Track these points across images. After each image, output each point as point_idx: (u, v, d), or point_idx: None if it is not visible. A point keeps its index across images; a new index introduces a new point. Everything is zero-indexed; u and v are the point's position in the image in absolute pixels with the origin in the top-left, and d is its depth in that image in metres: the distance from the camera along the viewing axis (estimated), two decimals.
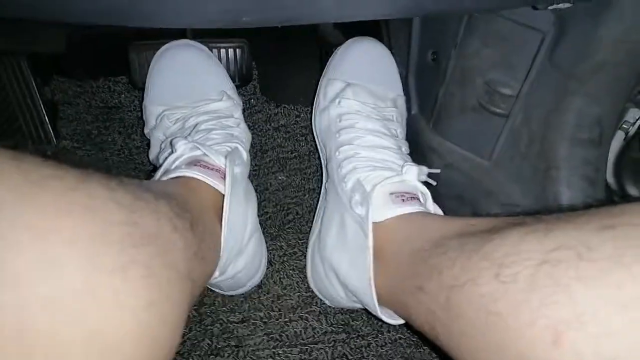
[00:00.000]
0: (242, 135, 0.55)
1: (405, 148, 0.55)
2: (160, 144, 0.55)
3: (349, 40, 0.60)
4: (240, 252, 0.48)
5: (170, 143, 0.48)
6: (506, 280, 0.26)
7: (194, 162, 0.45)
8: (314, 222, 0.60)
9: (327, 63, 0.61)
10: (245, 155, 0.53)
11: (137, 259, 0.25)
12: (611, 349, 0.21)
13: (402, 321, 0.42)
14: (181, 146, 0.46)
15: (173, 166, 0.46)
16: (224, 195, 0.43)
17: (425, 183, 0.49)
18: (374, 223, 0.42)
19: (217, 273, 0.43)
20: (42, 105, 0.67)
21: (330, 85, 0.58)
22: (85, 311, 0.23)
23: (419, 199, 0.45)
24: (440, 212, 0.46)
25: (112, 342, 0.24)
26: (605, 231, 0.24)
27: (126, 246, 0.25)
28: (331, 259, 0.50)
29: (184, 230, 0.32)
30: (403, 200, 0.44)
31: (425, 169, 0.49)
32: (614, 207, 0.25)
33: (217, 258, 0.42)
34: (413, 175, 0.46)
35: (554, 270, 0.24)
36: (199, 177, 0.43)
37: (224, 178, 0.45)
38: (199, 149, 0.46)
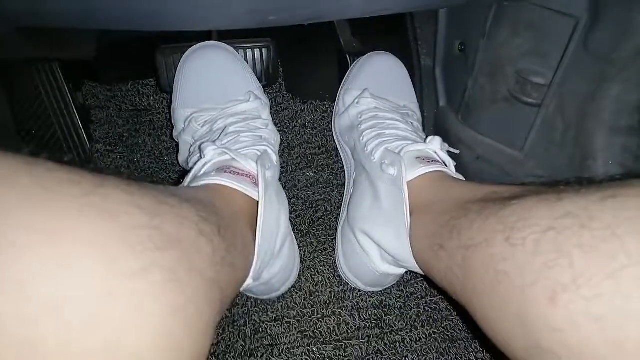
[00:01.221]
0: (270, 136, 0.55)
1: (423, 136, 0.57)
2: (189, 148, 0.55)
3: (366, 55, 0.64)
4: (275, 257, 0.47)
5: (199, 148, 0.48)
6: (515, 243, 0.28)
7: (223, 168, 0.45)
8: (341, 211, 0.61)
9: (345, 76, 0.65)
10: (274, 157, 0.52)
11: (159, 262, 0.24)
12: (599, 310, 0.23)
13: None
14: (210, 151, 0.46)
15: (202, 172, 0.45)
16: (255, 201, 0.43)
17: None
18: None
19: (250, 280, 0.42)
20: (75, 110, 0.68)
21: (348, 94, 0.62)
22: (101, 317, 0.21)
23: (444, 166, 0.48)
24: (463, 179, 0.47)
25: (132, 351, 0.22)
26: (607, 201, 0.25)
27: (147, 249, 0.24)
28: (364, 226, 0.50)
29: (212, 235, 0.31)
30: (429, 162, 0.47)
31: (447, 145, 0.51)
32: (622, 180, 0.27)
33: (248, 265, 0.41)
34: (437, 144, 0.49)
35: (558, 237, 0.26)
36: (228, 184, 0.43)
37: (255, 183, 0.44)
38: (228, 153, 0.46)
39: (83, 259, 0.21)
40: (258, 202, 0.42)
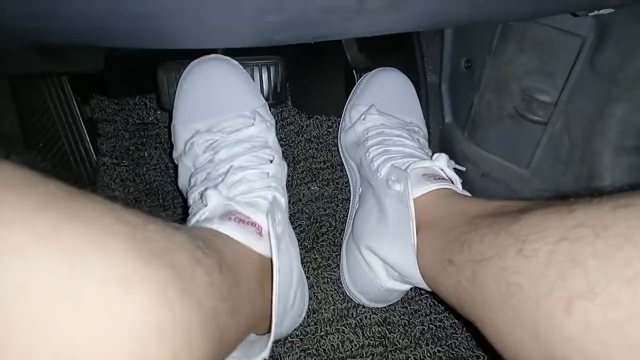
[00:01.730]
0: (277, 172, 0.50)
1: (429, 153, 0.57)
2: (189, 176, 0.52)
3: (372, 71, 0.63)
4: (287, 312, 0.44)
5: (202, 194, 0.44)
6: (528, 254, 0.28)
7: (227, 214, 0.41)
8: (346, 227, 0.61)
9: (352, 91, 0.65)
10: (283, 201, 0.48)
11: (144, 274, 0.21)
12: (616, 317, 0.23)
13: None
14: (213, 200, 0.42)
15: (203, 217, 0.42)
16: (261, 255, 0.40)
17: None
18: None
19: (267, 353, 0.37)
20: (82, 123, 0.69)
21: (355, 110, 0.62)
22: (66, 326, 0.19)
23: (450, 182, 0.48)
24: (469, 195, 0.47)
25: None
26: (620, 210, 0.25)
27: (130, 259, 0.21)
28: (369, 242, 0.50)
29: (209, 268, 0.28)
30: (436, 179, 0.47)
31: (453, 162, 0.50)
32: (632, 190, 0.27)
33: (254, 317, 0.38)
34: (443, 162, 0.49)
35: (572, 247, 0.26)
36: (233, 237, 0.39)
37: (260, 234, 0.41)
38: (233, 205, 0.42)
39: (46, 257, 0.19)
40: (264, 254, 0.40)
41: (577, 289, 0.24)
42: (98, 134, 0.70)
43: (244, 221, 0.41)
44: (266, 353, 0.37)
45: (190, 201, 0.48)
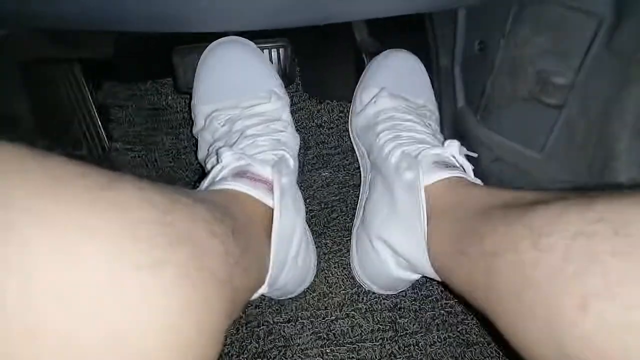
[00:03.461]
0: (289, 140, 0.54)
1: (441, 138, 0.56)
2: (208, 147, 0.55)
3: (383, 52, 0.63)
4: (290, 264, 0.46)
5: (216, 152, 0.48)
6: (543, 248, 0.27)
7: (240, 174, 0.44)
8: (356, 213, 0.60)
9: (363, 73, 0.64)
10: (292, 162, 0.51)
11: (170, 258, 0.23)
12: (635, 320, 0.22)
13: None
14: (227, 157, 0.46)
15: (219, 177, 0.45)
16: (271, 208, 0.42)
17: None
18: None
19: (265, 288, 0.41)
20: (94, 109, 0.70)
21: (365, 92, 0.61)
22: (106, 309, 0.20)
23: (461, 171, 0.47)
24: (481, 184, 0.46)
25: (138, 346, 0.21)
26: None
27: (158, 244, 0.23)
28: (380, 232, 0.50)
29: (224, 237, 0.30)
30: (447, 167, 0.46)
31: (465, 148, 0.50)
32: None
33: (263, 270, 0.40)
34: (455, 148, 0.48)
35: (590, 243, 0.25)
36: (244, 191, 0.42)
37: (271, 190, 0.44)
38: (244, 158, 0.46)
39: (90, 250, 0.21)
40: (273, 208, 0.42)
41: (593, 287, 0.24)
42: (110, 119, 0.70)
43: (255, 179, 0.44)
44: (264, 289, 0.41)
45: (209, 166, 0.50)
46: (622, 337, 0.23)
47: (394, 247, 0.48)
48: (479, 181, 0.46)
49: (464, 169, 0.47)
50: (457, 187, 0.44)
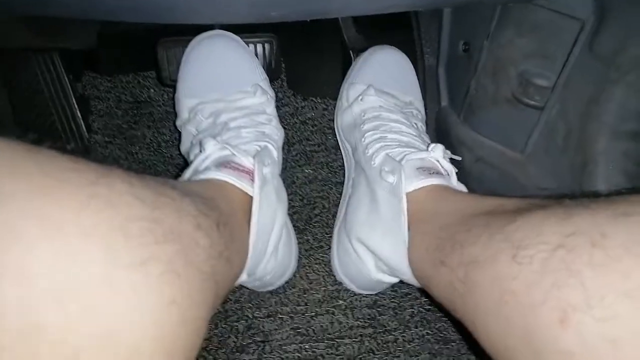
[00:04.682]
0: (273, 132, 0.54)
1: (427, 139, 0.56)
2: (192, 140, 0.55)
3: (370, 49, 0.62)
4: (269, 254, 0.47)
5: (200, 142, 0.48)
6: (522, 261, 0.27)
7: (223, 164, 0.44)
8: (338, 211, 0.60)
9: (349, 69, 0.64)
10: (275, 153, 0.52)
11: (158, 255, 0.24)
12: (613, 333, 0.22)
13: None
14: (210, 146, 0.46)
15: (202, 166, 0.45)
16: (252, 197, 0.43)
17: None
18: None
19: (244, 276, 0.42)
20: (74, 101, 0.68)
21: (352, 89, 0.61)
22: (100, 307, 0.21)
23: (445, 177, 0.47)
24: (465, 189, 0.47)
25: (129, 342, 0.22)
26: (620, 219, 0.24)
27: (146, 242, 0.24)
28: (360, 234, 0.50)
29: (209, 230, 0.31)
30: (430, 173, 0.45)
31: (449, 152, 0.49)
32: (633, 195, 0.26)
33: (244, 261, 0.41)
34: (439, 153, 0.47)
35: (568, 255, 0.25)
36: (227, 180, 0.42)
37: (253, 180, 0.44)
38: (228, 148, 0.46)
39: (85, 249, 0.21)
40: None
41: (572, 300, 0.24)
42: (90, 111, 0.69)
43: (238, 169, 0.44)
44: (243, 277, 0.42)
45: (192, 157, 0.50)
46: (599, 351, 0.22)
47: (373, 250, 0.48)
48: (462, 186, 0.46)
49: (448, 173, 0.47)
50: (440, 194, 0.44)
